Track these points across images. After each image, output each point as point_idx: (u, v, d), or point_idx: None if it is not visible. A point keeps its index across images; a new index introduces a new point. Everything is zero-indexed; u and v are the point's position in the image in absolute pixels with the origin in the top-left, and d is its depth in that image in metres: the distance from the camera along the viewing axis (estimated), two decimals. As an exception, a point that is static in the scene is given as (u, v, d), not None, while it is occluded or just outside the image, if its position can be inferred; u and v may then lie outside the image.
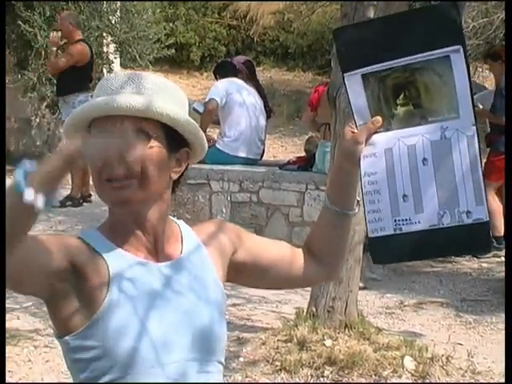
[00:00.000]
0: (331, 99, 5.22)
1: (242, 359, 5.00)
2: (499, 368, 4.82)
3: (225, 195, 7.65)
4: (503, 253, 6.50)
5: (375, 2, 5.02)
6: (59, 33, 8.75)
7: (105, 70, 9.82)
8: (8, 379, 4.66)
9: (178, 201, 7.53)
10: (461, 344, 5.43)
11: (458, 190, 1.86)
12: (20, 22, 9.26)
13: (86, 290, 1.75)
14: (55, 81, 9.03)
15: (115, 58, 10.24)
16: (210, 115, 7.95)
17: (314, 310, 5.21)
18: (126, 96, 1.79)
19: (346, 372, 4.78)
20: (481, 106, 7.32)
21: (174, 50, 10.85)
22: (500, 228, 7.02)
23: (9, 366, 4.82)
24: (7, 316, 5.19)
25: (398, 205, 1.90)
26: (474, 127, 1.86)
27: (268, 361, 4.93)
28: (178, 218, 1.96)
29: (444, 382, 4.81)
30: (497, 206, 7.13)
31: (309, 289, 5.29)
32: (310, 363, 4.83)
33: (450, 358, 4.96)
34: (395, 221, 1.90)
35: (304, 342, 4.97)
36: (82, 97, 8.46)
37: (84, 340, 1.76)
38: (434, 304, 6.34)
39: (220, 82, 8.10)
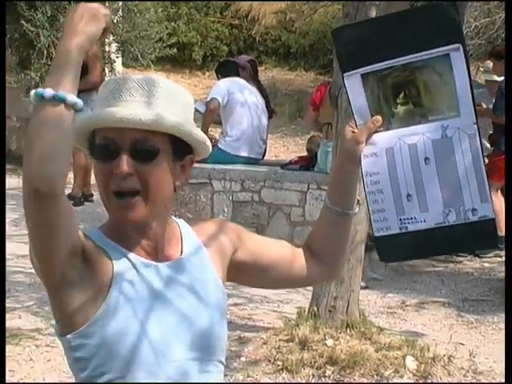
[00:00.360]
0: (333, 99, 5.23)
1: (243, 359, 4.99)
2: (501, 368, 4.81)
3: (227, 195, 7.65)
4: (504, 253, 6.49)
5: (377, 2, 5.02)
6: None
7: (107, 70, 9.80)
8: (9, 378, 4.66)
9: (179, 200, 7.53)
10: (462, 344, 5.42)
11: (462, 188, 1.87)
12: (23, 22, 9.24)
13: (91, 284, 1.75)
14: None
15: (117, 57, 10.21)
16: (211, 115, 7.93)
17: (316, 309, 5.21)
18: (134, 107, 1.77)
19: (348, 372, 4.77)
20: (484, 106, 7.31)
21: (175, 50, 10.82)
22: (503, 228, 6.99)
23: (10, 365, 4.81)
24: (8, 315, 5.19)
25: (403, 204, 1.90)
26: (476, 126, 1.86)
27: (269, 360, 4.92)
28: (179, 218, 1.97)
29: (446, 381, 4.80)
30: (500, 206, 7.11)
31: (310, 288, 5.29)
32: (311, 363, 4.83)
33: (451, 358, 4.95)
34: (400, 220, 1.91)
35: (305, 341, 4.97)
36: (83, 97, 8.42)
37: (85, 338, 1.76)
38: (435, 304, 6.34)
39: (222, 81, 8.08)
